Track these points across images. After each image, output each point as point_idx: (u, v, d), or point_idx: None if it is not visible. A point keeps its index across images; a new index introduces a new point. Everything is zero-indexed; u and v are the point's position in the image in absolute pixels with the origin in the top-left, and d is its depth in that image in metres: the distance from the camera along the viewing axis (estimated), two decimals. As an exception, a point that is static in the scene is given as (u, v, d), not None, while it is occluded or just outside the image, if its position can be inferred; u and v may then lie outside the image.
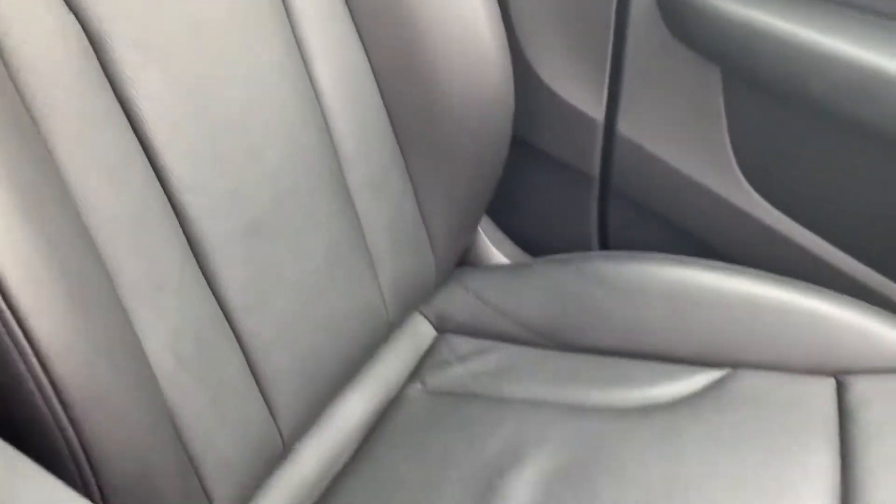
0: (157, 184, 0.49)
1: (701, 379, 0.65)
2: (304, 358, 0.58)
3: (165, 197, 0.49)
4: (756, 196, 0.76)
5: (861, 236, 0.73)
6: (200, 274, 0.51)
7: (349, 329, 0.63)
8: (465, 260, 0.83)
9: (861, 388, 0.60)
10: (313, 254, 0.58)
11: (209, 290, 0.51)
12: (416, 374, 0.72)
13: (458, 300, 0.76)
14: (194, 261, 0.51)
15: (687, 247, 0.79)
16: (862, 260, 0.72)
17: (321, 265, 0.59)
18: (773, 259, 0.74)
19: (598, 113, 0.78)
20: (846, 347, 0.63)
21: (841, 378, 0.62)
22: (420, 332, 0.76)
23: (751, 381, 0.63)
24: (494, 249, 0.84)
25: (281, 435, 0.57)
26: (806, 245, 0.74)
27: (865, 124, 0.67)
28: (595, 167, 0.81)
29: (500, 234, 0.85)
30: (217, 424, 0.51)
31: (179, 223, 0.50)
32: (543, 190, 0.85)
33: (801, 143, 0.72)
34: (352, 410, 0.67)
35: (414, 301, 0.73)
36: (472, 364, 0.71)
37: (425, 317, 0.76)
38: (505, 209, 0.85)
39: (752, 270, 0.70)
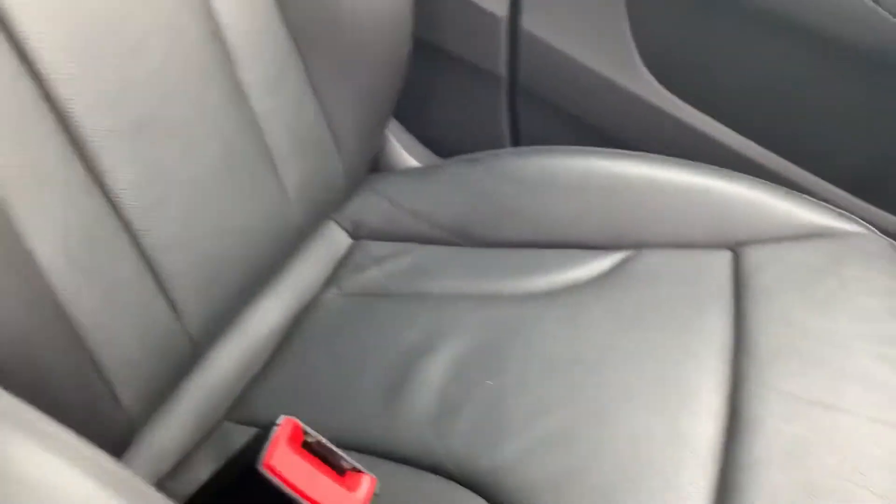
0: (28, 75, 0.47)
1: (606, 261, 0.66)
2: (207, 258, 0.57)
3: (39, 89, 0.47)
4: (658, 86, 0.77)
5: (757, 119, 0.75)
6: (86, 171, 0.50)
7: (255, 231, 0.62)
8: (376, 167, 0.82)
9: (754, 256, 0.63)
10: (207, 153, 0.57)
11: (97, 188, 0.50)
12: (332, 280, 0.72)
13: (371, 206, 0.76)
14: (78, 157, 0.49)
15: (596, 140, 0.80)
16: (759, 141, 0.75)
17: (217, 165, 0.58)
18: (676, 145, 0.76)
19: (500, 9, 0.78)
20: (741, 221, 0.66)
21: (737, 249, 0.64)
22: (335, 240, 0.75)
23: (652, 260, 0.65)
24: (406, 154, 0.83)
25: (190, 337, 0.57)
26: (705, 130, 0.76)
27: (762, 10, 0.68)
28: (502, 66, 0.81)
29: (411, 140, 0.85)
30: (115, 322, 0.50)
31: (59, 117, 0.48)
32: (452, 92, 0.85)
33: (700, 31, 0.73)
34: (267, 315, 0.67)
35: (325, 207, 0.73)
36: (388, 266, 0.71)
37: (340, 225, 0.76)
38: (415, 113, 0.84)
39: (653, 156, 0.72)
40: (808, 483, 0.46)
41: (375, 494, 0.40)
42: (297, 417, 0.51)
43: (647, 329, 0.59)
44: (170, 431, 0.58)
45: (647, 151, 0.74)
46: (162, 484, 0.55)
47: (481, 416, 0.54)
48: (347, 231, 0.76)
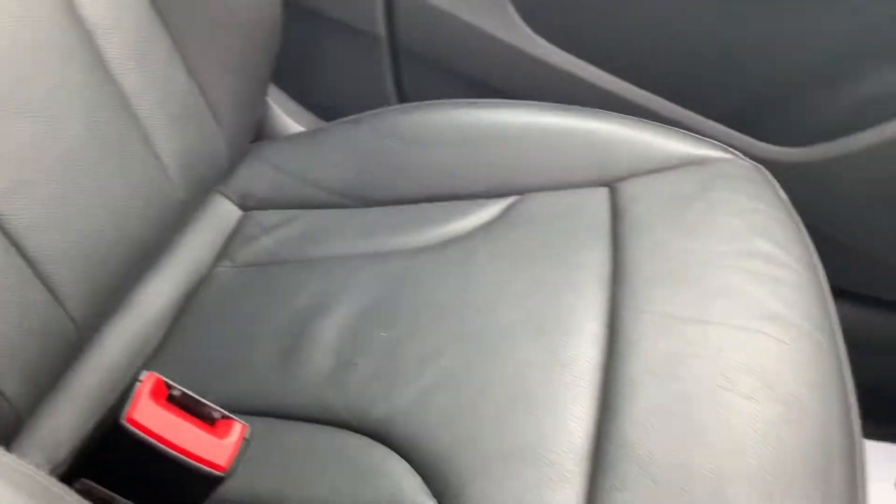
0: None
1: (493, 209, 0.68)
2: (82, 239, 0.56)
3: None
4: (532, 34, 0.79)
5: (630, 59, 0.77)
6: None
7: (133, 208, 0.61)
8: (260, 135, 0.81)
9: (630, 190, 0.66)
10: (72, 132, 0.55)
11: (-50, 174, 0.48)
12: (223, 253, 0.71)
13: (258, 175, 0.75)
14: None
15: (480, 93, 0.81)
16: (633, 81, 0.77)
17: (85, 143, 0.56)
18: (555, 91, 0.78)
19: (372, -32, 0.78)
20: (617, 158, 0.68)
21: (613, 185, 0.67)
22: (223, 212, 0.74)
23: (535, 203, 0.67)
24: (289, 120, 0.83)
25: (73, 321, 0.56)
26: (581, 74, 0.78)
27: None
28: (380, 25, 0.81)
29: (294, 105, 0.84)
30: (-14, 310, 0.49)
31: None
32: (333, 55, 0.85)
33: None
34: (157, 294, 0.66)
35: (209, 180, 0.72)
36: (279, 233, 0.71)
37: (227, 197, 0.75)
38: (296, 79, 0.84)
39: (533, 103, 0.74)
40: (682, 392, 0.49)
41: (245, 439, 0.41)
42: (194, 388, 0.51)
43: (531, 267, 0.61)
44: (63, 417, 0.57)
45: (529, 99, 0.76)
46: (59, 471, 0.54)
47: (376, 367, 0.55)
48: (235, 203, 0.75)
